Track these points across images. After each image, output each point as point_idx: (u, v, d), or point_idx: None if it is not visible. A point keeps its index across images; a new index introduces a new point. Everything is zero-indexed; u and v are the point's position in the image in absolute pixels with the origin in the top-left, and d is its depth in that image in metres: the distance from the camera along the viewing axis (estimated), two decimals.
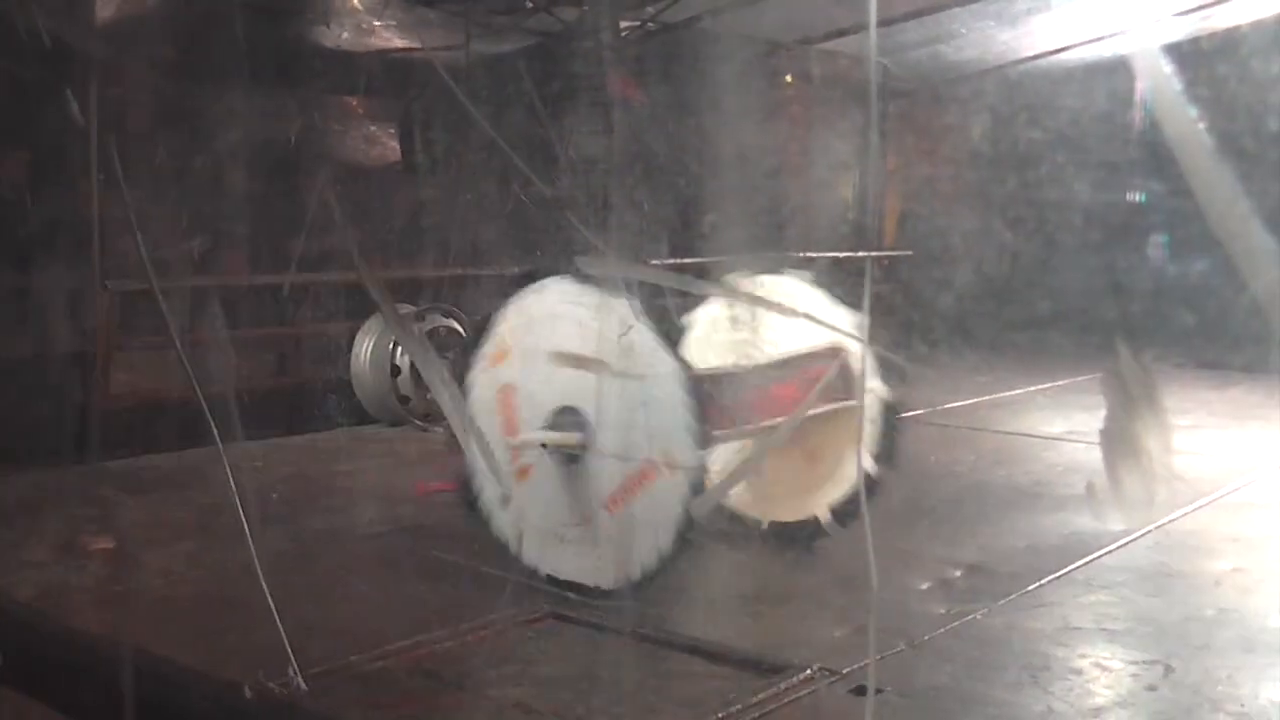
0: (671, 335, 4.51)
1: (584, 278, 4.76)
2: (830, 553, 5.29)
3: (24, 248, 7.55)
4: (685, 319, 5.13)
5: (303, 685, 3.64)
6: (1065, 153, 10.93)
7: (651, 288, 4.62)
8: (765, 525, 5.34)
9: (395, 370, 8.44)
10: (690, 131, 9.63)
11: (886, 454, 5.30)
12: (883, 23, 9.29)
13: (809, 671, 4.00)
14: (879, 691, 3.82)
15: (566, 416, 4.67)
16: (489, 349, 4.98)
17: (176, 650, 3.90)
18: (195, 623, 4.57)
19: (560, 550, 4.76)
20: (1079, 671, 4.16)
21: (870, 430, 5.26)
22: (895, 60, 11.16)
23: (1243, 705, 3.85)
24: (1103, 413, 5.26)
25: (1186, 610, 4.81)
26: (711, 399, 4.50)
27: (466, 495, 5.01)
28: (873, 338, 5.29)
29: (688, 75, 9.33)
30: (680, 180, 9.70)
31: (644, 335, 4.46)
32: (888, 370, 5.34)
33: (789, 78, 11.96)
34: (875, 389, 5.26)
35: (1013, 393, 9.83)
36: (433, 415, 8.40)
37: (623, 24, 9.27)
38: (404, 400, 8.47)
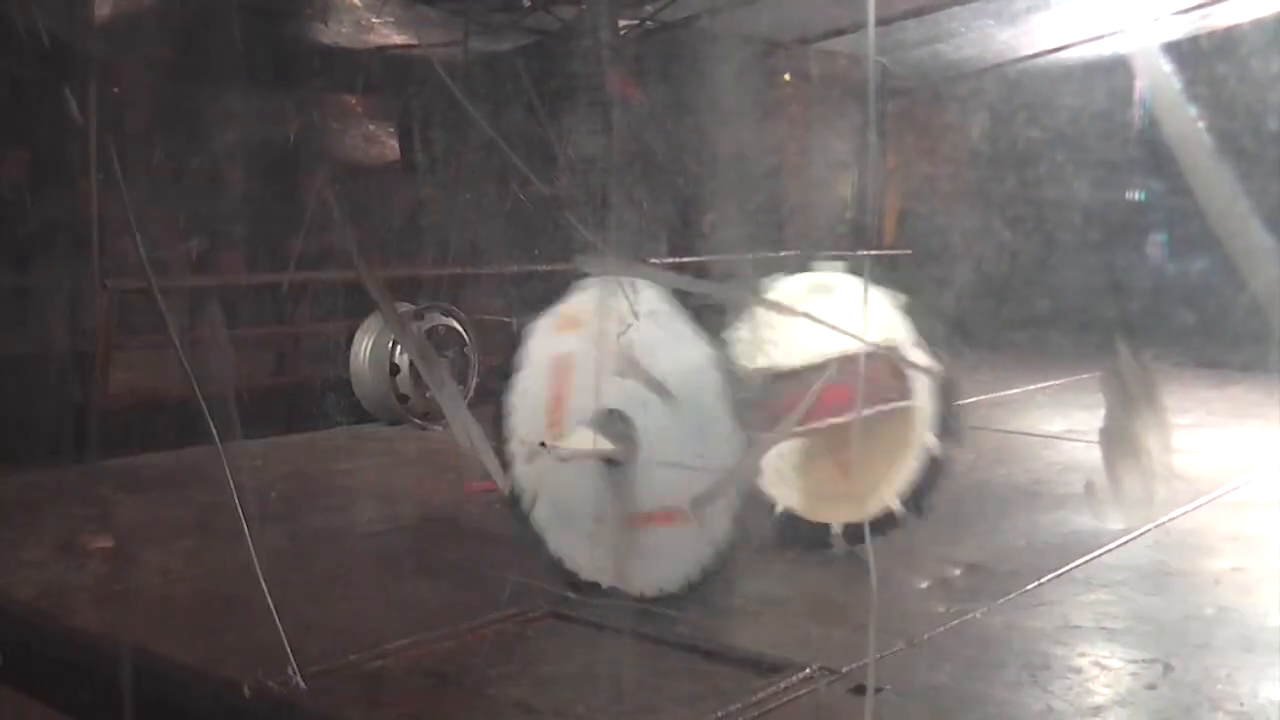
0: (716, 336, 4.46)
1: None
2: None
3: (23, 247, 7.55)
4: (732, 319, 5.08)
5: (302, 684, 3.64)
6: (1064, 151, 10.94)
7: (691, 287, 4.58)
8: (837, 529, 5.29)
9: (394, 369, 8.44)
10: (689, 131, 9.63)
11: (950, 429, 5.28)
12: (881, 21, 9.29)
13: (808, 670, 4.00)
14: (878, 690, 3.82)
15: (611, 419, 4.59)
16: (556, 315, 4.81)
17: (176, 649, 3.89)
18: (194, 621, 4.57)
19: (600, 554, 4.68)
20: (1078, 670, 4.16)
21: (930, 409, 5.24)
22: (894, 59, 11.16)
23: (1242, 704, 3.85)
24: (1102, 411, 5.25)
25: (1186, 609, 4.81)
26: (758, 400, 4.44)
27: (510, 495, 4.95)
28: (919, 329, 5.28)
29: (686, 74, 9.34)
30: (679, 179, 9.70)
31: (688, 336, 4.41)
32: (935, 349, 5.29)
33: (788, 77, 11.96)
34: (930, 366, 5.22)
35: (1012, 391, 9.83)
36: (432, 414, 8.41)
37: (621, 23, 9.27)
38: (403, 399, 8.48)
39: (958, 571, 5.20)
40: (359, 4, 9.08)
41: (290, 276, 8.98)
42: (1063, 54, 11.02)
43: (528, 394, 4.86)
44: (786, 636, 4.48)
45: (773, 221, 11.04)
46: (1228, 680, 4.04)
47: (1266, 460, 7.47)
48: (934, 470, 5.27)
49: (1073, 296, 10.70)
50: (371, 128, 10.29)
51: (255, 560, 3.73)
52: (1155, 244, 11.64)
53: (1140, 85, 8.87)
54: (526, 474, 4.84)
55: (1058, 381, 10.04)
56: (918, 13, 9.73)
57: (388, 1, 8.89)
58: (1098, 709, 3.85)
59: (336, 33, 9.26)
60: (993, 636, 4.48)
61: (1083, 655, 4.28)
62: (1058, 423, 8.59)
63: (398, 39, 9.61)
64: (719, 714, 3.70)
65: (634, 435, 4.54)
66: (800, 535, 5.37)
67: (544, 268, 9.72)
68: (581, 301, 4.72)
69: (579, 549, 4.74)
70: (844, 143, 12.43)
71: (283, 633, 3.65)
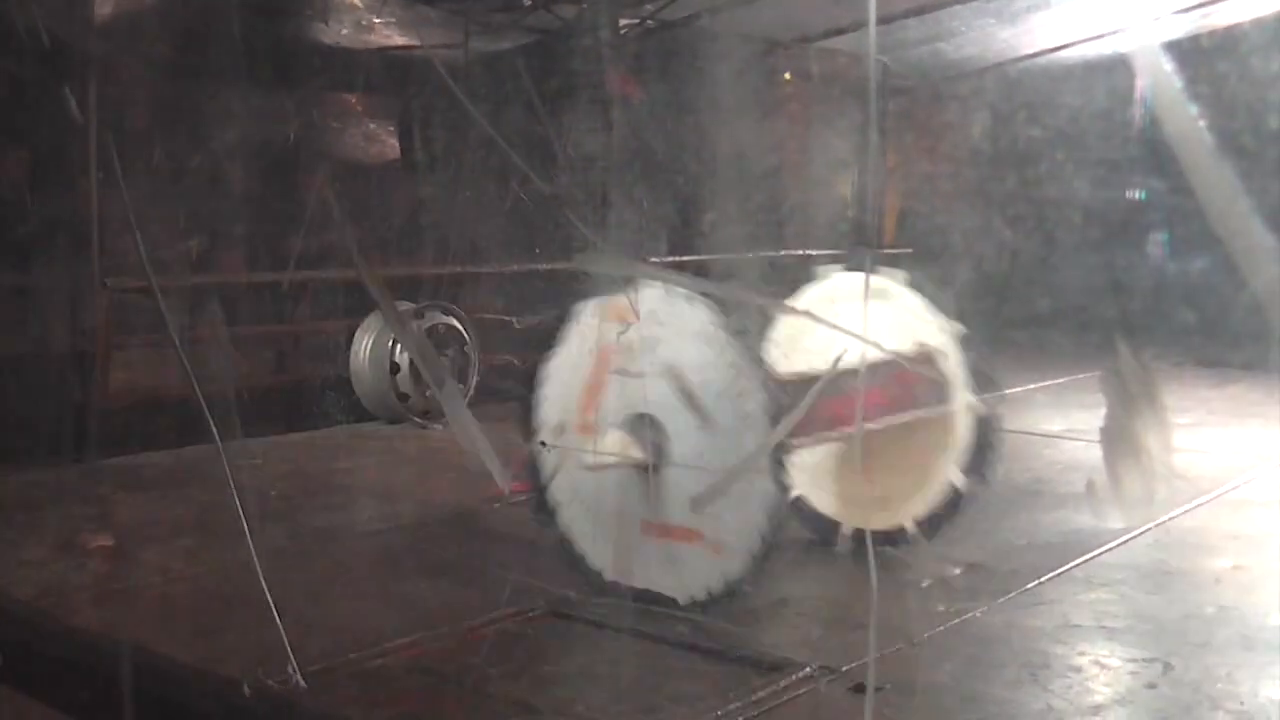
0: (751, 340, 4.42)
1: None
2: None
3: (23, 246, 7.55)
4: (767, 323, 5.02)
5: (302, 683, 3.63)
6: (1065, 150, 10.94)
7: (727, 290, 4.53)
8: (849, 532, 5.27)
9: (394, 368, 8.44)
10: (689, 129, 9.63)
11: (978, 467, 5.22)
12: (882, 20, 9.29)
13: (808, 669, 4.00)
14: (878, 689, 3.82)
15: (641, 423, 4.55)
16: (604, 305, 4.70)
17: (175, 648, 3.89)
18: (194, 620, 4.57)
19: (627, 558, 4.64)
20: (1078, 669, 4.16)
21: (962, 442, 5.19)
22: (895, 58, 11.15)
23: (1242, 703, 3.85)
24: (1102, 410, 5.25)
25: (1186, 608, 4.81)
26: (792, 405, 4.36)
27: (534, 494, 4.93)
28: (966, 346, 5.23)
29: (686, 73, 9.34)
30: (679, 178, 9.70)
31: (722, 339, 4.37)
32: (980, 380, 5.24)
33: (788, 75, 11.96)
34: (969, 401, 5.17)
35: (1012, 390, 9.82)
36: (432, 413, 8.41)
37: (621, 22, 9.27)
38: (403, 398, 8.47)
39: (958, 570, 5.19)
40: (359, 3, 9.08)
41: (290, 275, 8.98)
42: (1063, 53, 11.02)
43: (563, 383, 4.81)
44: (786, 636, 4.48)
45: (772, 220, 11.04)
46: (1228, 679, 4.04)
47: (1267, 459, 7.46)
48: (955, 500, 5.23)
49: (1073, 295, 10.69)
50: (372, 127, 10.28)
51: (255, 559, 3.73)
52: (1155, 243, 11.64)
53: (1141, 84, 8.88)
54: (553, 472, 4.82)
55: (1058, 380, 10.03)
56: (918, 11, 9.72)
57: (388, 1, 8.89)
58: (1098, 708, 3.85)
59: (337, 32, 9.25)
60: (993, 635, 4.47)
61: (1083, 654, 4.28)
62: (1058, 422, 8.58)
63: (398, 38, 9.60)
64: (719, 713, 3.70)
65: (665, 440, 4.50)
66: (816, 533, 5.38)
67: (544, 266, 9.73)
68: (633, 296, 4.63)
69: (606, 552, 4.69)
70: (844, 141, 12.42)
71: (283, 631, 3.65)
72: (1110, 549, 5.49)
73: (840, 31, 10.37)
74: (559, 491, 4.85)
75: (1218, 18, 9.87)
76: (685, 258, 9.27)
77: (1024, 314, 10.50)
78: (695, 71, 9.38)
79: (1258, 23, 9.72)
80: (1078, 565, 5.25)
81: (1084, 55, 10.93)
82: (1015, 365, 10.47)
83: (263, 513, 5.52)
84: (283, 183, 9.24)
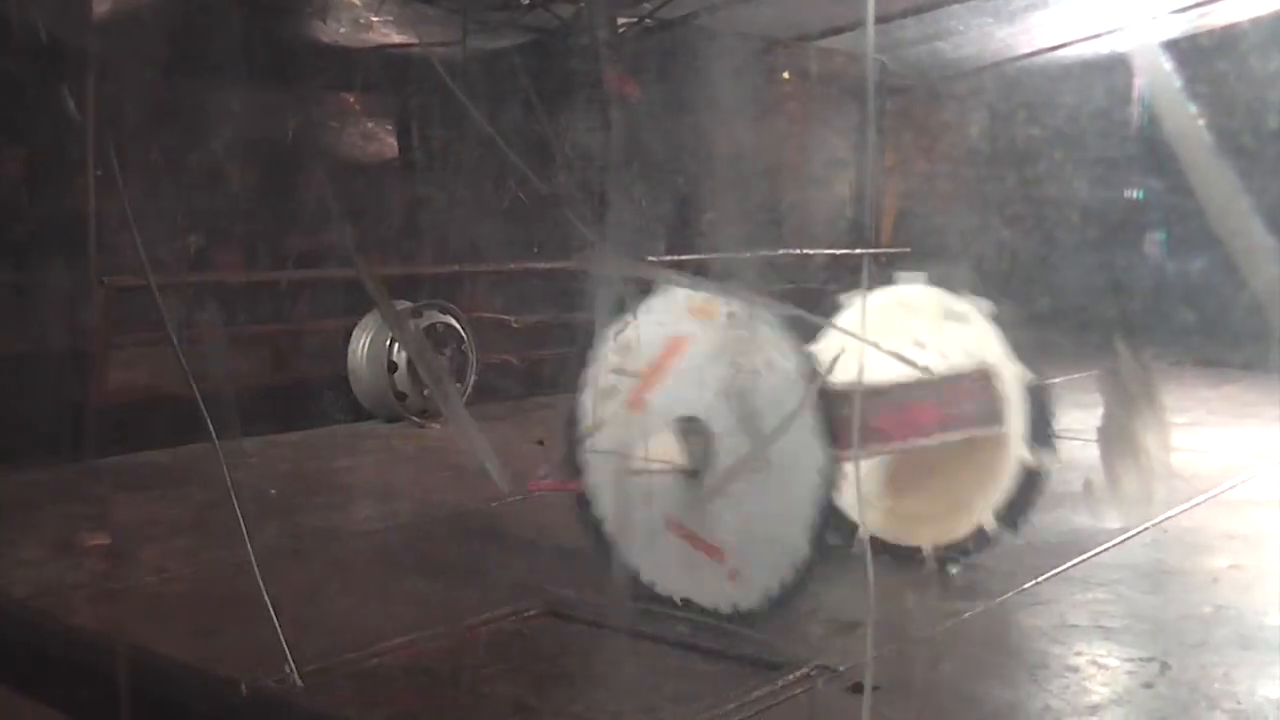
0: (807, 349, 4.31)
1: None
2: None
3: (21, 245, 7.54)
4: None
5: (299, 682, 3.63)
6: (1063, 150, 10.93)
7: (779, 298, 4.46)
8: (927, 550, 5.15)
9: (392, 366, 8.44)
10: (687, 128, 9.62)
11: (1012, 516, 5.06)
12: (880, 19, 9.28)
13: (806, 669, 3.99)
14: (876, 689, 3.82)
15: (690, 427, 4.49)
16: (682, 299, 4.56)
17: (172, 647, 3.88)
18: (191, 620, 4.57)
19: (673, 566, 4.56)
20: (1076, 669, 4.15)
21: (1021, 418, 5.07)
22: (893, 57, 11.15)
23: (1239, 702, 3.85)
24: (1101, 410, 5.26)
25: (1184, 608, 4.81)
26: (844, 417, 4.27)
27: (579, 498, 4.82)
28: (1002, 322, 5.17)
29: (684, 72, 9.33)
30: (677, 177, 9.70)
31: (780, 348, 4.28)
32: (1022, 352, 5.13)
33: (786, 75, 11.96)
34: (1018, 372, 5.08)
35: None
36: (429, 411, 8.41)
37: (619, 20, 9.26)
38: (401, 397, 8.47)
39: (956, 569, 5.19)
40: (357, 1, 9.08)
41: (288, 274, 8.98)
42: (1061, 52, 11.02)
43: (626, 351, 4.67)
44: (785, 635, 4.47)
45: (771, 220, 11.05)
46: (1225, 679, 4.04)
47: (1265, 459, 7.47)
48: (1030, 485, 5.07)
49: (1072, 295, 10.69)
50: (370, 125, 10.27)
51: (253, 558, 3.73)
52: (1154, 242, 11.64)
53: (1139, 83, 8.88)
54: (599, 475, 4.73)
55: (1056, 380, 10.01)
56: (916, 11, 9.72)
57: (385, 0, 8.89)
58: (1095, 708, 3.85)
59: (335, 30, 9.25)
60: (990, 635, 4.47)
61: (1080, 654, 4.28)
62: (1056, 421, 8.57)
63: (396, 37, 9.60)
64: (717, 713, 3.69)
65: (712, 446, 4.43)
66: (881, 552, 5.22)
67: (542, 265, 9.73)
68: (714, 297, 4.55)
69: (650, 559, 4.62)
70: (842, 141, 12.42)
71: (280, 631, 3.64)
72: (1108, 549, 5.49)
73: (838, 30, 10.37)
74: (603, 496, 4.74)
75: (1216, 16, 9.88)
76: (683, 257, 9.26)
77: (1022, 313, 10.49)
78: (693, 70, 9.37)
79: (1256, 22, 9.72)
80: (1075, 565, 5.24)
81: (1082, 54, 10.93)
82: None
83: (260, 511, 5.51)
84: (280, 181, 9.23)
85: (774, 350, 4.28)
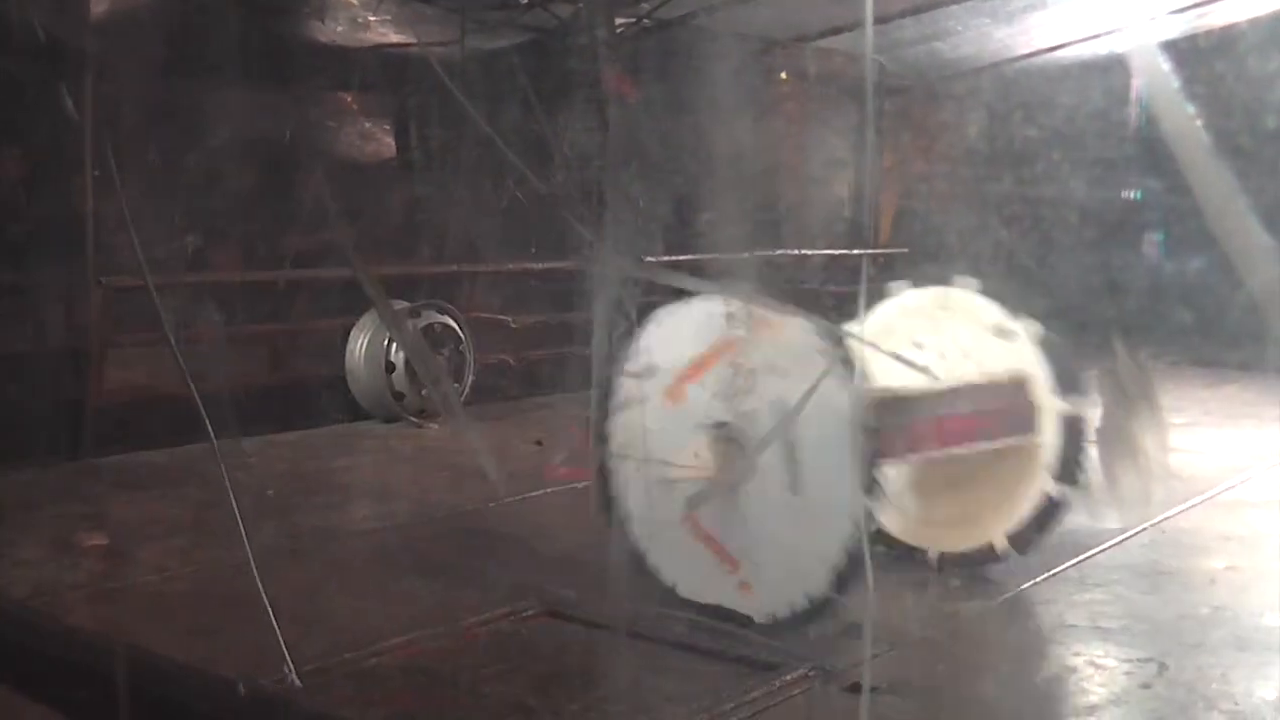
0: (848, 354, 4.19)
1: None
2: None
3: (19, 244, 7.54)
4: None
5: (297, 682, 3.63)
6: (1061, 150, 10.93)
7: (825, 304, 4.35)
8: (932, 554, 5.11)
9: (390, 366, 8.44)
10: (685, 128, 9.62)
11: (1070, 473, 4.99)
12: (879, 20, 9.28)
13: (804, 669, 3.99)
14: (873, 689, 3.82)
15: (723, 433, 4.42)
16: (755, 311, 4.38)
17: (171, 647, 3.88)
18: (190, 619, 4.56)
19: (699, 572, 4.48)
20: (1073, 669, 4.16)
21: (1051, 449, 4.96)
22: (891, 57, 11.15)
23: (1236, 703, 3.85)
24: (1098, 410, 5.26)
25: (1181, 608, 4.82)
26: (884, 425, 4.21)
27: (601, 494, 4.72)
28: (1048, 348, 5.04)
29: (683, 72, 9.33)
30: (676, 177, 9.69)
31: (819, 351, 4.18)
32: (1066, 381, 5.01)
33: (784, 75, 11.96)
34: (1057, 405, 4.96)
35: None
36: (427, 412, 8.41)
37: (618, 20, 9.26)
38: (399, 396, 8.47)
39: (956, 582, 5.18)
40: (355, 1, 9.08)
41: (286, 274, 8.97)
42: (1060, 53, 11.02)
43: (670, 340, 4.55)
44: (783, 635, 4.47)
45: (769, 220, 11.04)
46: (1222, 679, 4.04)
47: (1262, 459, 7.47)
48: (1048, 514, 5.01)
49: (1069, 295, 10.69)
50: (367, 125, 10.27)
51: (251, 558, 3.73)
52: (1152, 243, 11.64)
53: (1137, 84, 8.89)
54: (625, 476, 4.63)
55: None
56: (915, 11, 9.72)
57: None
58: (1093, 708, 3.85)
59: (333, 30, 9.24)
60: (988, 635, 4.47)
61: (1077, 655, 4.28)
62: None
63: (394, 36, 9.60)
64: (714, 713, 3.69)
65: (745, 454, 4.33)
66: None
67: (540, 265, 9.73)
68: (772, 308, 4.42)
69: (678, 566, 4.53)
70: (841, 141, 12.42)
71: (278, 631, 3.65)
72: (1105, 549, 5.49)
73: (837, 31, 10.37)
74: (631, 502, 4.64)
75: (1214, 17, 9.88)
76: (681, 257, 9.25)
77: (1020, 313, 10.48)
78: (692, 71, 9.37)
79: (1254, 22, 9.72)
80: (1073, 565, 5.25)
81: (1080, 55, 10.93)
82: None
83: (258, 511, 5.51)
84: (278, 181, 9.23)
85: (818, 358, 4.16)
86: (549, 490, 6.45)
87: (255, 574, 3.68)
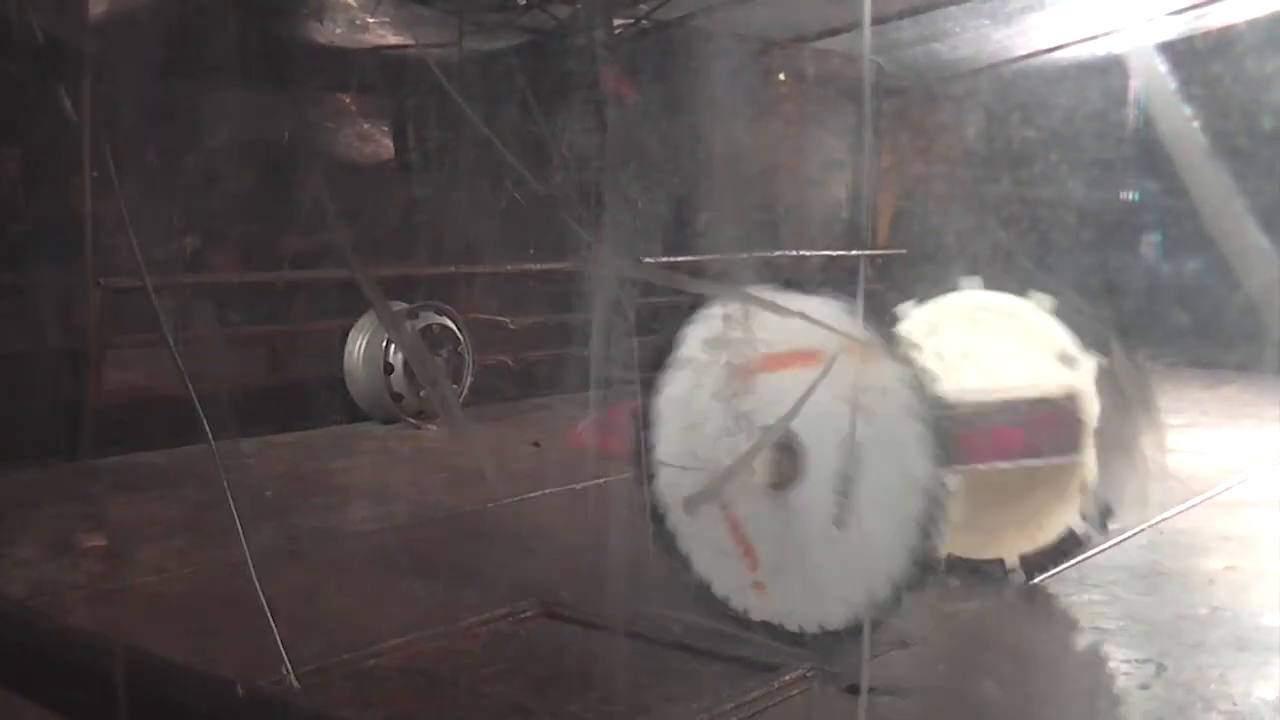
0: (910, 358, 4.07)
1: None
2: None
3: (17, 245, 7.54)
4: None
5: (295, 683, 3.63)
6: (1059, 151, 10.93)
7: (876, 307, 4.22)
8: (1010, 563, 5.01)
9: (388, 367, 8.44)
10: (684, 129, 9.63)
11: (1101, 515, 4.91)
12: (877, 21, 9.29)
13: (803, 670, 3.99)
14: (872, 690, 3.82)
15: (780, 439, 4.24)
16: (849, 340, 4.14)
17: (169, 647, 3.88)
18: (188, 620, 4.57)
19: (750, 585, 4.35)
20: (1073, 670, 4.16)
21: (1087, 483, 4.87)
22: (889, 58, 11.16)
23: (1235, 704, 3.85)
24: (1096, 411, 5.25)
25: (1179, 609, 4.82)
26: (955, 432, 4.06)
27: (651, 508, 4.52)
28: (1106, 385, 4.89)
29: (681, 73, 9.33)
30: (674, 178, 9.70)
31: (880, 354, 4.05)
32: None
33: (782, 76, 11.96)
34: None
35: None
36: (425, 413, 8.41)
37: (616, 21, 9.26)
38: (397, 398, 8.47)
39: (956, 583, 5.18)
40: (353, 2, 9.07)
41: (284, 275, 8.97)
42: (1058, 54, 11.02)
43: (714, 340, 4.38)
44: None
45: (767, 221, 11.04)
46: (1221, 680, 4.04)
47: (1260, 460, 7.47)
48: (1066, 547, 4.96)
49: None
50: (366, 126, 10.27)
51: (249, 559, 3.73)
52: (1150, 244, 11.64)
53: (1135, 85, 8.87)
54: (669, 482, 4.50)
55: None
56: (913, 12, 9.73)
57: (382, 1, 8.88)
58: (1091, 708, 3.85)
59: (331, 32, 9.24)
60: (987, 636, 4.47)
61: (1077, 655, 4.29)
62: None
63: (392, 38, 9.60)
64: (714, 713, 3.69)
65: (802, 458, 4.21)
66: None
67: (539, 266, 9.73)
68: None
69: (730, 578, 4.39)
70: (839, 142, 12.43)
71: (276, 631, 3.65)
72: (1104, 550, 5.49)
73: (835, 32, 10.38)
74: (677, 512, 4.49)
75: (1212, 19, 9.89)
76: (680, 258, 9.26)
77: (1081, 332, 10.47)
78: (690, 71, 9.37)
79: (1252, 24, 9.73)
80: (1071, 566, 5.24)
81: (1078, 56, 10.94)
82: None
83: (256, 512, 5.51)
84: (277, 182, 9.23)
85: (887, 371, 4.03)
86: (547, 491, 6.46)
87: (253, 575, 3.68)
